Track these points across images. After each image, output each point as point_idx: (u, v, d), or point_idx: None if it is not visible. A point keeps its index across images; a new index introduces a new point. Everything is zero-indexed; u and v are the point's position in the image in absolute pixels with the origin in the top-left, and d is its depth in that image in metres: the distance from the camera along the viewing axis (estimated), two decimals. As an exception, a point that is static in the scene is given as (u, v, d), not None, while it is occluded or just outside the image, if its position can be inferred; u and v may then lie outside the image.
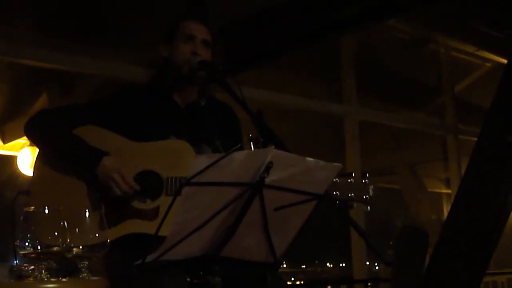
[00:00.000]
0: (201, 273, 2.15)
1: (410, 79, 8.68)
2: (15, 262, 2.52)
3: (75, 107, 3.06)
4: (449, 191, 9.72)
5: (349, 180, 2.81)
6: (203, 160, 1.95)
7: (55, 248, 2.28)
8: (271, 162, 1.97)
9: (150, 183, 2.81)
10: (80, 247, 2.33)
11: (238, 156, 1.99)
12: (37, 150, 3.03)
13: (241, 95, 2.65)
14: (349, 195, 2.80)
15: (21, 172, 7.15)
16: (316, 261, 16.28)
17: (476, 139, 5.60)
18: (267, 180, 1.99)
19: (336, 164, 2.15)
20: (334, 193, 2.76)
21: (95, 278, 2.35)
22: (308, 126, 8.40)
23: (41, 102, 6.79)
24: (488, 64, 9.10)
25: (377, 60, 8.02)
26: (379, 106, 8.26)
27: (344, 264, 14.60)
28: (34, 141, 3.03)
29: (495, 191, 5.17)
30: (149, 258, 2.02)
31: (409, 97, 8.79)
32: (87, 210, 2.37)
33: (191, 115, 3.05)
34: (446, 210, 10.03)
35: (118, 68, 5.83)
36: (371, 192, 2.83)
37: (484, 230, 5.14)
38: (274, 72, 7.09)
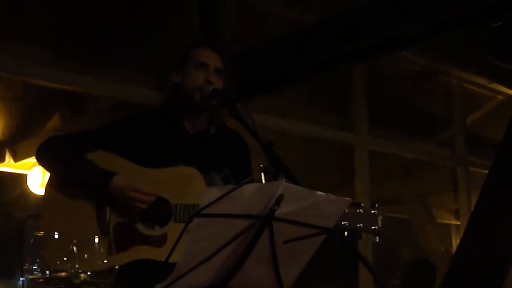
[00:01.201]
0: (208, 303, 2.14)
1: (421, 110, 8.68)
2: (20, 281, 2.52)
3: (86, 133, 3.07)
4: (458, 223, 9.66)
5: (358, 211, 2.81)
6: (214, 192, 1.96)
7: (63, 274, 2.29)
8: (281, 195, 1.97)
9: (158, 210, 2.82)
10: (88, 273, 2.33)
11: (249, 188, 1.99)
12: (47, 172, 3.04)
13: (252, 123, 2.66)
14: (358, 225, 2.80)
15: (31, 191, 7.17)
16: (322, 290, 16.16)
17: (486, 171, 5.58)
18: (277, 213, 1.99)
19: (346, 198, 2.15)
20: (343, 223, 2.76)
21: (102, 304, 2.35)
22: (318, 154, 8.39)
23: (53, 122, 6.82)
24: (500, 97, 9.09)
25: (388, 90, 8.01)
26: (389, 136, 8.25)
27: (349, 293, 14.47)
28: (44, 166, 3.05)
29: (505, 225, 5.16)
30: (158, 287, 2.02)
31: (419, 128, 8.77)
32: (96, 237, 2.38)
33: (201, 142, 3.05)
34: (454, 242, 9.98)
35: (129, 91, 5.85)
36: (379, 223, 2.82)
37: (494, 264, 5.11)
38: (285, 100, 7.09)
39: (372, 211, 2.83)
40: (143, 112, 3.24)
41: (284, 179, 2.04)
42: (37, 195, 7.02)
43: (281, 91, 6.59)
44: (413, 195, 9.94)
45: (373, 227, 2.82)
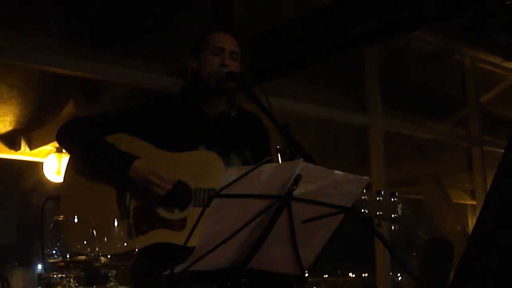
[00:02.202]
0: (228, 284, 2.15)
1: (435, 90, 8.63)
2: (39, 267, 2.54)
3: (106, 115, 3.09)
4: (474, 203, 9.63)
5: (378, 198, 2.81)
6: (233, 173, 1.97)
7: (84, 257, 2.30)
8: (299, 175, 1.97)
9: (179, 194, 2.83)
10: (108, 256, 2.34)
11: (267, 168, 1.99)
12: (65, 157, 3.06)
13: (268, 106, 2.66)
14: (378, 213, 2.80)
15: (47, 179, 7.21)
16: (339, 271, 16.20)
17: (501, 150, 5.55)
18: (295, 193, 2.00)
19: (364, 177, 2.15)
20: (363, 210, 2.77)
21: (123, 287, 2.37)
22: (333, 136, 8.39)
23: (68, 110, 6.84)
24: (514, 76, 9.05)
25: (402, 70, 7.98)
26: (404, 117, 8.23)
27: (366, 274, 14.50)
28: (65, 147, 3.07)
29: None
30: (177, 269, 2.03)
31: (434, 108, 8.74)
32: (115, 220, 2.39)
33: (221, 125, 3.06)
34: (471, 222, 9.96)
35: (143, 77, 5.86)
36: (399, 211, 2.83)
37: (511, 244, 5.09)
38: (299, 82, 7.08)
39: (392, 199, 2.84)
40: (163, 96, 3.25)
41: (301, 159, 2.04)
42: (53, 182, 7.06)
43: (295, 74, 6.58)
44: (429, 176, 9.92)
45: (392, 215, 2.83)
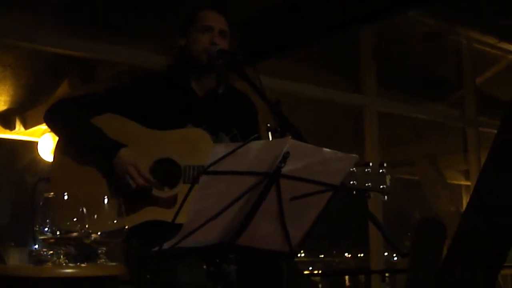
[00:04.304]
0: (217, 261, 2.17)
1: (431, 70, 8.64)
2: (34, 247, 2.56)
3: (94, 96, 3.08)
4: (469, 183, 9.68)
5: (366, 170, 2.81)
6: (221, 149, 1.97)
7: (74, 234, 2.33)
8: (288, 152, 1.98)
9: (168, 171, 2.83)
10: (99, 233, 2.36)
11: (256, 145, 2.00)
12: (57, 137, 3.06)
13: (260, 84, 2.66)
14: (366, 184, 2.80)
15: (41, 158, 7.21)
16: (334, 251, 16.27)
17: (496, 131, 5.56)
18: (284, 170, 2.00)
19: (353, 155, 2.16)
20: (351, 182, 2.77)
21: (113, 263, 2.39)
22: (327, 117, 8.40)
23: (62, 89, 6.84)
24: (510, 56, 9.04)
25: (397, 51, 7.98)
26: (399, 97, 8.24)
27: (362, 255, 14.57)
28: (53, 129, 3.06)
29: (513, 184, 5.15)
30: (166, 245, 2.04)
31: (429, 88, 8.75)
32: (105, 197, 2.41)
33: (209, 103, 3.06)
34: (465, 202, 10.00)
35: (139, 56, 5.86)
36: (388, 182, 2.82)
37: (503, 223, 5.11)
38: (293, 63, 7.08)
39: (380, 170, 2.83)
40: (150, 74, 3.24)
41: (290, 137, 2.04)
42: (47, 162, 7.06)
43: (289, 55, 6.57)
44: (424, 157, 9.95)
45: (381, 186, 2.82)
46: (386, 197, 2.84)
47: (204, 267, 2.29)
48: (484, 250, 5.07)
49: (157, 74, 3.21)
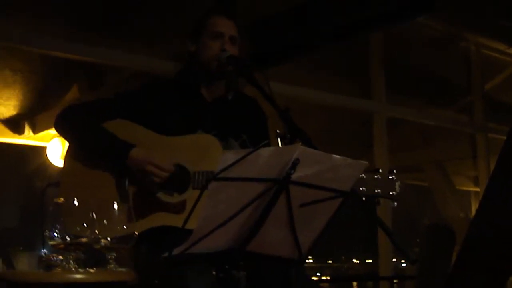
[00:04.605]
0: (227, 267, 2.17)
1: (440, 76, 8.62)
2: (43, 251, 2.56)
3: (104, 101, 3.09)
4: (478, 189, 9.65)
5: (375, 176, 2.81)
6: (230, 156, 1.98)
7: (84, 239, 2.33)
8: (297, 159, 1.98)
9: (177, 177, 2.84)
10: (108, 239, 2.36)
11: (265, 152, 2.00)
12: (67, 142, 3.06)
13: (269, 90, 2.66)
14: (376, 191, 2.80)
15: (50, 163, 7.22)
16: (343, 257, 16.24)
17: (505, 137, 5.54)
18: (294, 177, 2.01)
19: (362, 162, 2.16)
20: (361, 188, 2.76)
21: (123, 269, 2.39)
22: (337, 122, 8.39)
23: (71, 94, 6.85)
24: (519, 63, 9.02)
25: (406, 57, 7.97)
26: (408, 103, 8.22)
27: (370, 261, 14.54)
28: (63, 135, 3.07)
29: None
30: (176, 251, 2.05)
31: (438, 94, 8.73)
32: (115, 203, 2.41)
33: (219, 109, 3.07)
34: (474, 209, 9.97)
35: (147, 62, 5.86)
36: (397, 188, 2.82)
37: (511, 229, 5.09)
38: (302, 68, 7.07)
39: (390, 177, 2.83)
40: (159, 80, 3.26)
41: (300, 143, 2.05)
42: (56, 166, 7.06)
43: (297, 60, 6.57)
44: (433, 163, 9.92)
45: (391, 193, 2.82)
46: (395, 203, 2.84)
47: (214, 273, 2.29)
48: (493, 256, 5.05)
49: (167, 80, 3.21)
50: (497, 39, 8.34)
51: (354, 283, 10.53)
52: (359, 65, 7.85)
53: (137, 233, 2.44)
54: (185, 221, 2.05)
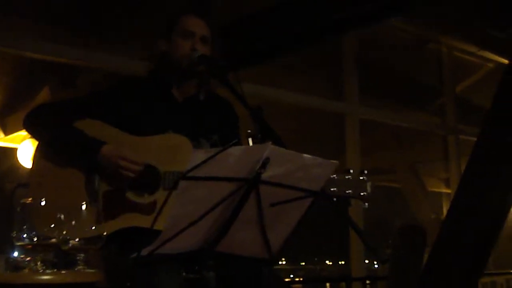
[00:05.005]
0: (196, 267, 2.15)
1: (412, 78, 8.68)
2: (12, 254, 2.53)
3: (74, 100, 3.06)
4: (449, 191, 9.72)
5: (346, 177, 2.80)
6: (200, 155, 1.96)
7: (52, 240, 2.30)
8: (268, 158, 1.97)
9: (147, 177, 2.82)
10: (77, 240, 2.34)
11: (235, 151, 1.99)
12: (37, 143, 3.03)
13: (241, 90, 2.65)
14: (347, 191, 2.79)
15: (21, 165, 7.16)
16: (316, 259, 16.29)
17: (476, 139, 5.59)
18: (264, 176, 2.00)
19: (333, 161, 2.15)
20: (332, 189, 2.75)
21: (91, 270, 2.36)
22: (309, 124, 8.40)
23: (43, 95, 6.80)
24: (490, 65, 9.10)
25: (379, 59, 8.01)
26: (380, 105, 8.27)
27: (343, 262, 14.59)
28: (32, 134, 3.04)
29: (493, 191, 5.17)
30: (144, 252, 2.03)
31: (410, 96, 8.79)
32: (84, 203, 2.38)
33: (190, 109, 3.04)
34: (445, 210, 10.04)
35: (120, 62, 5.84)
36: (368, 189, 2.81)
37: (483, 230, 5.13)
38: (276, 69, 7.08)
39: (361, 177, 2.82)
40: (130, 79, 3.22)
41: (270, 142, 2.03)
42: (27, 168, 7.01)
43: (271, 61, 6.57)
44: (405, 165, 9.98)
45: (362, 193, 2.81)
46: (367, 204, 2.84)
47: (184, 273, 2.28)
48: (464, 258, 5.08)
49: (137, 79, 3.19)
50: (468, 41, 8.42)
51: (327, 284, 10.54)
52: (332, 66, 7.87)
53: (106, 234, 2.42)
54: (154, 221, 2.04)
